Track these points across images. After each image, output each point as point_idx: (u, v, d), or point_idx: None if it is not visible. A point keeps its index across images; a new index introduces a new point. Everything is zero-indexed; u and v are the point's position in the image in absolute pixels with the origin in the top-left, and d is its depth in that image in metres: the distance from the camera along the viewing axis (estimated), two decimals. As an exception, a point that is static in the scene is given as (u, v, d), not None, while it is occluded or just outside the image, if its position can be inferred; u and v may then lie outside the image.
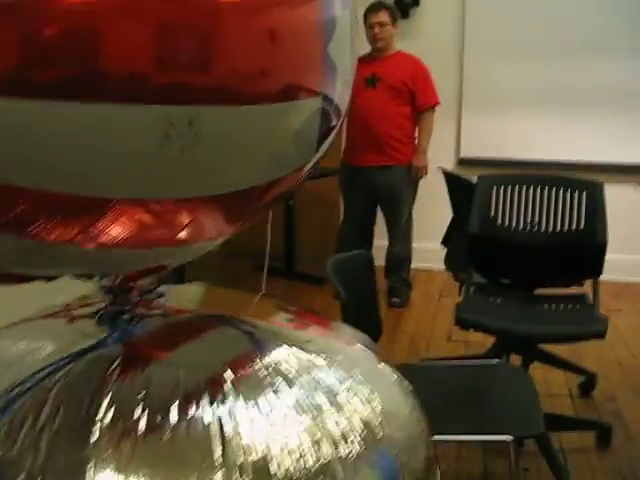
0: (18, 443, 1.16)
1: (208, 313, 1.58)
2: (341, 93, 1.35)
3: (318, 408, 1.28)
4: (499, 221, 3.15)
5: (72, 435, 1.17)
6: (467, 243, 3.06)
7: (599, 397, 3.35)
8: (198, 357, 1.39)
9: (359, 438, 1.26)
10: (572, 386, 3.43)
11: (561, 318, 2.82)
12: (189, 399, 1.22)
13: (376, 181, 4.54)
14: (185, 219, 1.18)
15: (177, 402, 1.21)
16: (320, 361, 1.41)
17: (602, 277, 3.08)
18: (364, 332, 1.60)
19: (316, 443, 1.21)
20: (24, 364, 1.33)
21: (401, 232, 4.66)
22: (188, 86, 0.99)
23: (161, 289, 1.48)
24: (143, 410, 1.19)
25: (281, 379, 1.32)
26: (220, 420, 1.21)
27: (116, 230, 1.08)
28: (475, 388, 2.25)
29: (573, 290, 3.11)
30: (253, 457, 1.16)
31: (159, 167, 1.03)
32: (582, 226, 3.08)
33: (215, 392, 1.25)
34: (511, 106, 5.35)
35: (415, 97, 4.54)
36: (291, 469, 1.16)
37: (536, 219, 3.14)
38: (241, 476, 1.13)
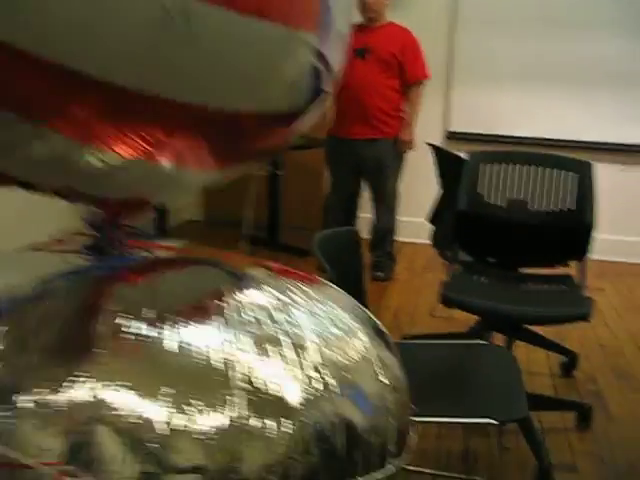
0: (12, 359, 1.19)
1: (193, 254, 1.62)
2: (335, 47, 1.41)
3: (301, 343, 1.28)
4: (487, 199, 3.12)
5: (62, 350, 1.20)
6: (454, 220, 3.03)
7: (580, 377, 3.36)
8: (182, 285, 1.42)
9: (338, 374, 1.26)
10: (554, 366, 3.44)
11: (546, 299, 2.80)
12: (183, 314, 1.25)
13: (362, 154, 4.50)
14: (166, 136, 1.18)
15: (173, 315, 1.24)
16: (302, 300, 1.41)
17: (585, 257, 3.07)
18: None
19: (301, 376, 1.23)
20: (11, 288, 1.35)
21: (386, 206, 4.63)
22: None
23: (148, 231, 1.50)
24: (140, 319, 1.22)
25: (264, 313, 1.32)
26: (207, 342, 1.22)
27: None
28: (458, 368, 2.23)
29: (559, 270, 3.10)
30: (249, 381, 1.17)
31: (153, 53, 1.05)
32: (571, 206, 3.05)
33: (199, 316, 1.27)
34: (502, 81, 5.32)
35: (404, 70, 4.48)
36: (282, 394, 1.18)
37: (525, 198, 3.11)
38: (233, 396, 1.15)
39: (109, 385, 1.14)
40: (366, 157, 4.50)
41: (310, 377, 1.24)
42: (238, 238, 4.24)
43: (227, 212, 4.96)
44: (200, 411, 1.14)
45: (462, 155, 3.27)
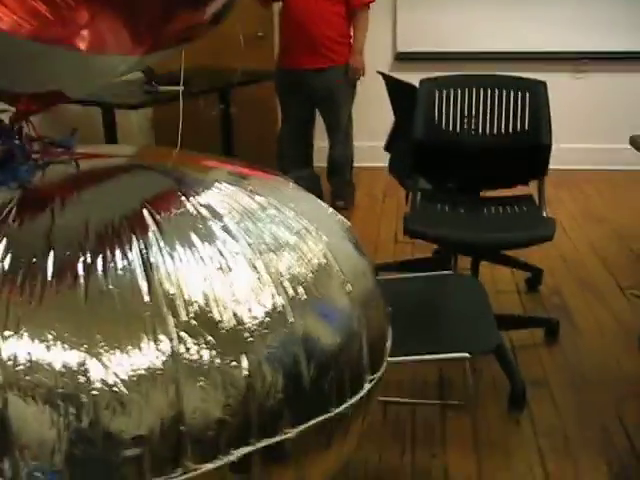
0: None
1: (124, 160, 1.45)
2: None
3: (262, 250, 1.16)
4: (443, 125, 3.08)
5: None
6: (412, 149, 3.01)
7: (545, 292, 3.41)
8: (110, 197, 1.25)
9: (300, 288, 1.15)
10: (519, 282, 3.48)
11: (508, 223, 2.79)
12: (103, 238, 1.09)
13: (313, 84, 4.39)
14: (84, 17, 1.10)
15: (88, 243, 1.08)
16: (259, 199, 1.29)
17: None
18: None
19: (263, 288, 1.11)
20: None
21: (341, 134, 4.56)
22: None
23: (68, 140, 1.33)
24: (47, 252, 1.05)
25: (215, 220, 1.18)
26: (146, 262, 1.07)
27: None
28: (427, 303, 2.23)
29: (519, 191, 3.11)
30: (194, 307, 1.05)
31: None
32: (526, 127, 3.04)
33: (135, 231, 1.11)
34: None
35: None
36: (238, 316, 1.06)
37: (480, 121, 3.10)
38: (180, 324, 1.02)
39: (16, 339, 0.98)
40: (317, 87, 4.40)
41: (269, 295, 1.10)
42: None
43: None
44: (126, 352, 0.99)
45: (413, 83, 3.23)
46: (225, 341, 1.04)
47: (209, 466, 1.03)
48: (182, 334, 1.02)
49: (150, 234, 1.11)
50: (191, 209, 1.19)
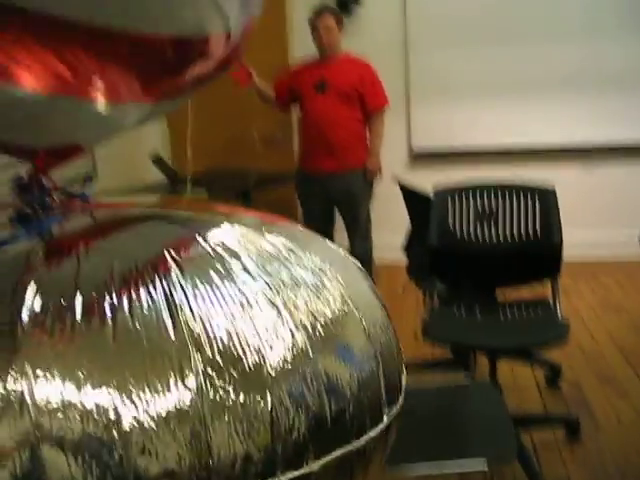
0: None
1: (141, 209, 1.47)
2: None
3: (280, 289, 1.19)
4: (457, 231, 3.22)
5: None
6: (428, 255, 3.14)
7: (565, 386, 3.43)
8: (131, 244, 1.27)
9: (319, 328, 1.18)
10: (539, 376, 3.50)
11: (523, 327, 2.88)
12: (128, 282, 1.11)
13: (332, 187, 4.56)
14: (96, 70, 1.15)
15: (114, 285, 1.10)
16: (274, 240, 1.32)
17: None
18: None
19: (284, 325, 1.14)
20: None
21: (361, 233, 4.69)
22: None
23: (85, 191, 1.38)
24: (75, 295, 1.08)
25: (233, 260, 1.21)
26: (170, 302, 1.10)
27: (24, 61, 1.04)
28: (445, 413, 2.29)
29: (535, 293, 3.19)
30: (218, 344, 1.07)
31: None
32: (537, 229, 3.16)
33: (158, 273, 1.13)
34: (458, 94, 5.43)
35: (365, 101, 4.56)
36: (261, 352, 1.09)
37: (493, 226, 3.22)
38: (206, 361, 1.05)
39: (42, 382, 1.00)
40: (336, 190, 4.56)
41: (289, 332, 1.13)
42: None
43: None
44: (154, 389, 1.02)
45: (427, 188, 3.36)
46: (249, 376, 1.07)
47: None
48: (208, 370, 1.05)
49: (173, 275, 1.14)
50: (210, 250, 1.23)
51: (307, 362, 1.12)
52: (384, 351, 1.30)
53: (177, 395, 1.02)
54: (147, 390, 1.01)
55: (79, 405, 0.99)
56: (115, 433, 0.99)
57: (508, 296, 3.29)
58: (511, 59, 5.30)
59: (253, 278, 1.19)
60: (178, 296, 1.11)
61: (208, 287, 1.14)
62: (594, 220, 5.38)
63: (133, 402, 1.00)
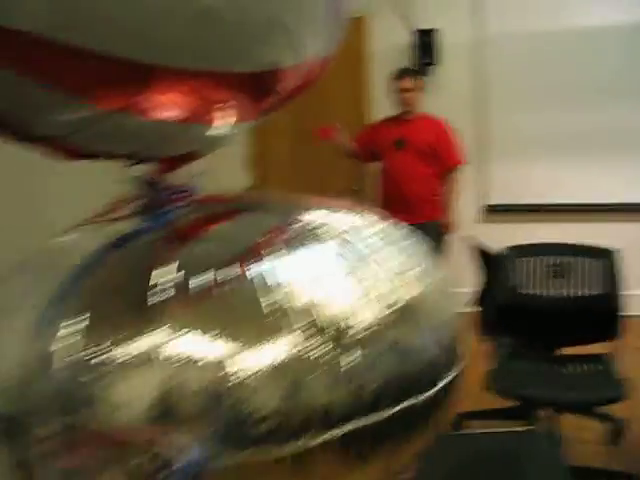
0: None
1: (240, 201, 1.67)
2: None
3: (369, 265, 1.38)
4: (525, 290, 3.40)
5: (134, 306, 1.26)
6: (496, 313, 3.32)
7: (629, 443, 3.49)
8: (240, 230, 1.48)
9: (405, 299, 1.37)
10: (602, 430, 3.59)
11: (583, 383, 3.07)
12: (243, 258, 1.32)
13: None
14: (221, 100, 1.32)
15: (231, 261, 1.31)
16: (360, 222, 1.54)
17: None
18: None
19: (368, 300, 1.32)
20: (74, 258, 1.41)
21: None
22: None
23: (194, 187, 1.55)
24: (203, 270, 1.29)
25: (328, 237, 1.41)
26: (276, 273, 1.30)
27: (161, 102, 1.22)
28: (506, 459, 2.44)
29: (596, 348, 3.32)
30: (309, 310, 1.26)
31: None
32: (600, 291, 3.32)
33: (264, 251, 1.34)
34: (535, 153, 5.58)
35: (441, 158, 4.76)
36: (344, 323, 1.27)
37: (559, 285, 3.38)
38: (300, 324, 1.24)
39: (185, 335, 1.20)
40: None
41: (374, 305, 1.31)
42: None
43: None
44: (264, 347, 1.20)
45: (498, 251, 3.53)
46: (337, 338, 1.25)
47: (326, 436, 1.22)
48: (307, 332, 1.24)
49: (276, 251, 1.35)
50: (307, 230, 1.43)
51: (387, 329, 1.31)
52: (448, 321, 1.52)
53: (275, 352, 1.21)
54: (258, 345, 1.21)
55: (208, 357, 1.19)
56: (231, 382, 1.18)
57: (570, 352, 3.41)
58: (584, 119, 5.46)
59: (344, 256, 1.39)
60: (282, 269, 1.32)
61: (307, 261, 1.36)
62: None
63: (246, 356, 1.20)
